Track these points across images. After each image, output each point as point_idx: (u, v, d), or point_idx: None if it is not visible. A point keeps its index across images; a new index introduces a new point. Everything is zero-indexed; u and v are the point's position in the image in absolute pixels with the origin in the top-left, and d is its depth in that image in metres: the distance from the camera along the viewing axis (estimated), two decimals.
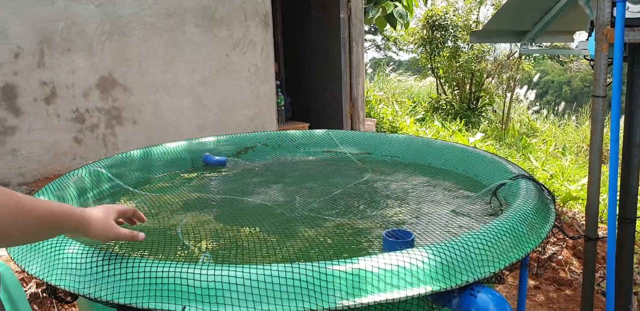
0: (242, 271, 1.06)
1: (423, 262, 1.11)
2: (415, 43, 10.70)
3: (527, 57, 10.39)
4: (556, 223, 1.57)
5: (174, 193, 1.92)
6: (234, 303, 1.02)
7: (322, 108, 5.80)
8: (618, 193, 1.66)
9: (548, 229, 1.38)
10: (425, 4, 8.22)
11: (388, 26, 7.03)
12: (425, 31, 10.16)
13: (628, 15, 1.47)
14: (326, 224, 1.54)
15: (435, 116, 9.74)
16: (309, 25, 5.73)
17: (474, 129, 9.39)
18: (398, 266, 1.09)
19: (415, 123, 8.53)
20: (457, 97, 10.58)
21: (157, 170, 2.16)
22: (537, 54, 10.02)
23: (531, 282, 2.88)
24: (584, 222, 3.48)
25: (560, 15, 1.91)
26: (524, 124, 10.61)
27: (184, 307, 1.05)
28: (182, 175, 2.16)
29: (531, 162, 5.80)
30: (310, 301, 1.03)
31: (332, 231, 1.48)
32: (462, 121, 9.36)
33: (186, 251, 1.37)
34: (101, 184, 1.90)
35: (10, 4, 3.54)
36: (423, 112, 10.09)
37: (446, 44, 9.96)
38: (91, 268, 1.11)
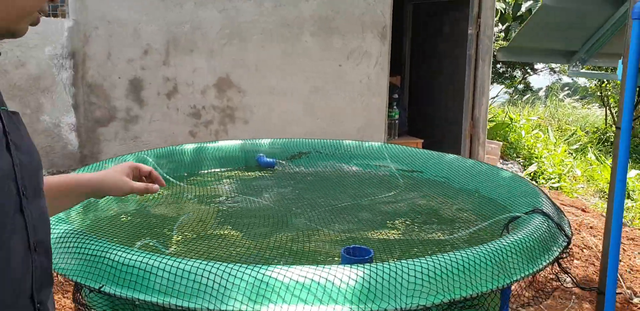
0: (160, 261, 1.09)
1: (341, 281, 1.05)
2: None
3: None
4: (564, 266, 1.38)
5: (207, 187, 2.02)
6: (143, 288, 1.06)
7: (441, 126, 5.63)
8: None
9: (530, 271, 1.22)
10: None
11: None
12: None
13: None
14: (307, 232, 1.52)
15: (591, 149, 8.85)
16: (439, 39, 5.60)
17: None
18: (312, 280, 1.05)
19: (569, 153, 7.82)
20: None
21: (210, 165, 2.28)
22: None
23: None
24: None
25: (615, 34, 1.64)
26: None
27: (102, 286, 1.11)
28: (229, 172, 2.26)
29: None
30: (210, 300, 1.03)
31: (306, 239, 1.46)
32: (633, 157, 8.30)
33: (158, 239, 1.44)
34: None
35: (145, 7, 3.97)
36: (580, 143, 9.23)
37: None
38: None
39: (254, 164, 2.35)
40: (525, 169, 6.19)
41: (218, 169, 2.27)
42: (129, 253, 1.11)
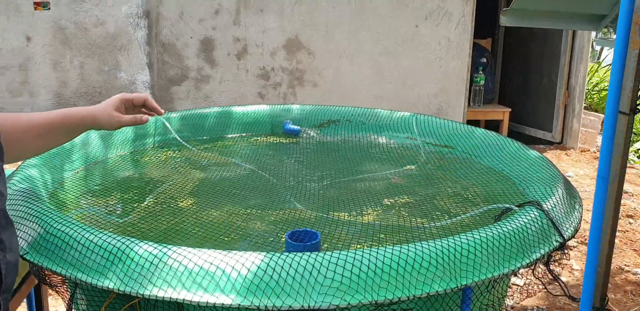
0: (75, 232, 1.06)
1: (247, 269, 0.96)
2: None
3: None
4: (554, 270, 1.18)
5: (217, 152, 1.97)
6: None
7: (533, 94, 5.17)
8: None
9: (493, 273, 1.04)
10: None
11: None
12: None
13: None
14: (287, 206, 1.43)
15: None
16: None
17: None
18: (212, 264, 0.96)
19: None
20: None
21: (235, 130, 2.24)
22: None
23: None
24: None
25: None
26: None
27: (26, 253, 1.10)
28: (250, 138, 2.20)
29: None
30: (109, 277, 0.98)
31: (271, 217, 1.37)
32: None
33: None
34: (162, 133, 2.05)
35: None
36: None
37: None
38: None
39: (281, 131, 2.26)
40: (631, 145, 5.56)
41: (240, 134, 2.22)
42: (52, 220, 1.09)
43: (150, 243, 1.00)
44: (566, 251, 1.21)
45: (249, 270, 0.96)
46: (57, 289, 1.25)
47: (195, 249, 0.99)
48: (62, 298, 1.25)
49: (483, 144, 1.90)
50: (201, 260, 0.97)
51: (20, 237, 1.12)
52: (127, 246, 1.00)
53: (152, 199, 1.50)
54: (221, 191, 1.57)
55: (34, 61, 4.22)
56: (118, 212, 1.40)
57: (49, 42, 4.16)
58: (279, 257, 0.97)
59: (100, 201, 1.47)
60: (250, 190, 1.60)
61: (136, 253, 0.99)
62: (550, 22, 1.34)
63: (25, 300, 1.65)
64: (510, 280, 1.43)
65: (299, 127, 2.24)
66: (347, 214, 1.41)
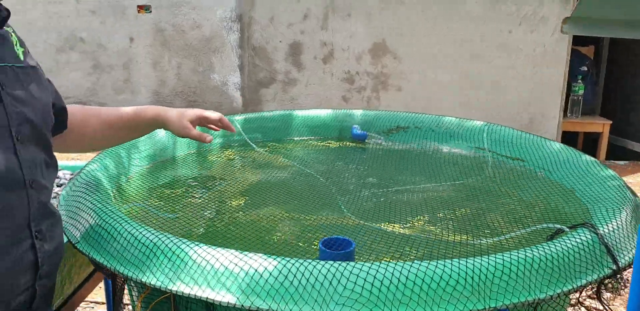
0: (120, 225, 1.12)
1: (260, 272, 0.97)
2: None
3: None
4: (604, 298, 1.10)
5: (282, 155, 2.01)
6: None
7: (638, 107, 4.80)
8: None
9: (532, 297, 0.99)
10: None
11: None
12: None
13: None
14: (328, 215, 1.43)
15: None
16: None
17: None
18: (237, 266, 0.99)
19: None
20: None
21: (303, 133, 2.27)
22: None
23: None
24: None
25: None
26: None
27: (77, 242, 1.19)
28: (314, 142, 2.22)
29: None
30: (141, 270, 1.04)
31: (313, 223, 1.37)
32: None
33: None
34: (231, 134, 2.12)
35: None
36: None
37: None
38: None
39: (348, 136, 2.27)
40: None
41: (307, 138, 2.25)
42: (101, 212, 1.17)
43: (182, 240, 1.05)
44: (623, 279, 1.11)
45: (270, 273, 0.97)
46: (111, 277, 1.33)
47: (224, 249, 1.02)
48: (113, 286, 1.33)
49: (557, 158, 1.79)
50: (227, 261, 1.00)
51: (75, 227, 1.21)
52: (162, 241, 1.05)
53: (206, 197, 1.56)
54: (272, 192, 1.60)
55: (135, 60, 4.53)
56: (169, 208, 1.47)
57: (149, 43, 4.44)
58: (301, 264, 0.98)
59: (155, 197, 1.55)
60: (301, 193, 1.61)
61: (169, 248, 1.03)
62: (621, 31, 1.22)
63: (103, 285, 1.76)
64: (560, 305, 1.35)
65: (365, 132, 2.23)
66: (392, 224, 1.39)
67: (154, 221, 1.35)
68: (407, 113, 2.28)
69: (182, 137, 1.30)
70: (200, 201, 1.54)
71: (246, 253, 1.01)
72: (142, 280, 1.03)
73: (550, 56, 4.10)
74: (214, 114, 1.32)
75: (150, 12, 4.28)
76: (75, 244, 1.17)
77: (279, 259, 0.99)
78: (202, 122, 1.32)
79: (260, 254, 1.01)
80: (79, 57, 4.58)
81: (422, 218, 1.44)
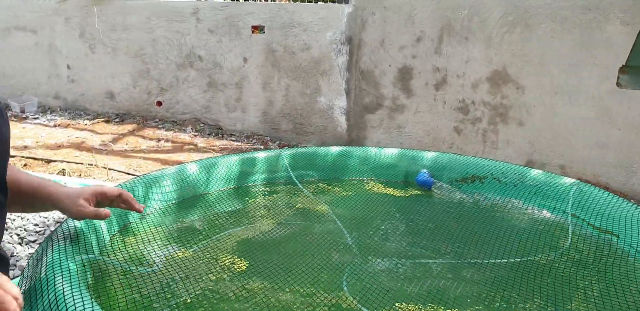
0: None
1: None
2: None
3: None
4: None
5: (323, 199, 1.77)
6: None
7: None
8: None
9: None
10: None
11: None
12: None
13: None
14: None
15: None
16: None
17: None
18: None
19: None
20: None
21: (362, 173, 2.01)
22: None
23: None
24: None
25: None
26: None
27: None
28: (374, 184, 1.94)
29: None
30: None
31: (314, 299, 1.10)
32: None
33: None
34: (277, 170, 1.93)
35: None
36: None
37: None
38: None
39: (412, 180, 1.95)
40: None
41: (366, 179, 1.97)
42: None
43: None
44: None
45: None
46: None
47: None
48: None
49: None
50: None
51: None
52: None
53: (212, 242, 1.37)
54: (274, 252, 1.36)
55: (247, 80, 4.55)
56: (144, 262, 1.29)
57: (261, 63, 4.43)
58: None
59: (161, 238, 1.39)
60: (309, 254, 1.35)
61: None
62: None
63: None
64: None
65: (432, 179, 1.90)
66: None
67: (124, 279, 1.18)
68: (488, 161, 1.91)
69: (77, 217, 1.17)
70: (190, 254, 1.34)
71: None
72: None
73: None
74: (112, 191, 1.21)
75: (264, 32, 4.27)
76: None
77: None
78: (101, 199, 1.20)
79: None
80: (197, 74, 4.71)
81: (460, 304, 1.11)
